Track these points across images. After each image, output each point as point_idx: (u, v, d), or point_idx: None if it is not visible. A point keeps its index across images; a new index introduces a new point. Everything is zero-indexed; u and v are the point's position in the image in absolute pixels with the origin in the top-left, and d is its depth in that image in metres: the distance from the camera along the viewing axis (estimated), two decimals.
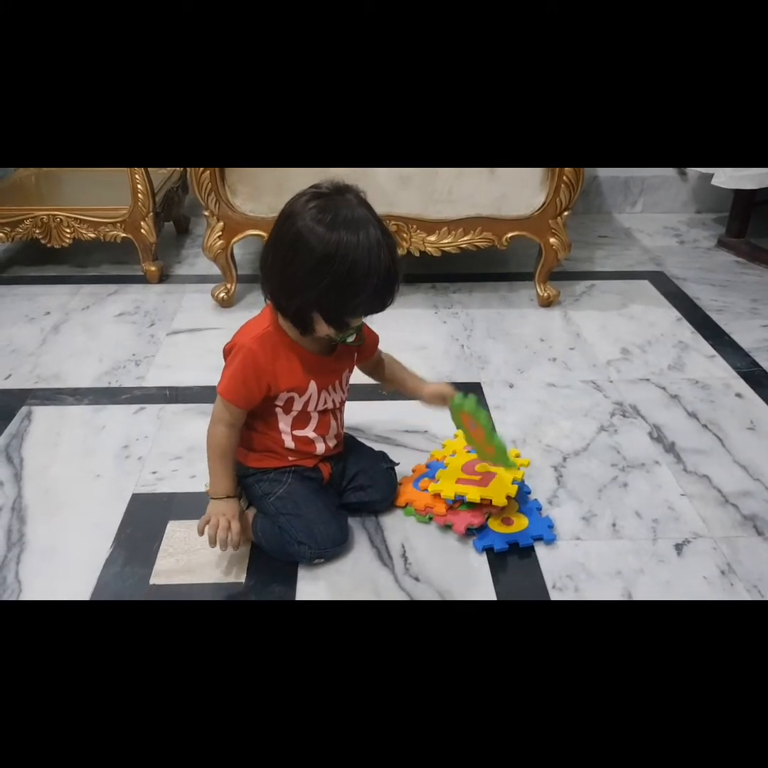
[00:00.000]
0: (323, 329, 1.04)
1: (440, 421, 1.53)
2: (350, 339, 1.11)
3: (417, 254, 1.94)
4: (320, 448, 1.20)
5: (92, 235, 2.09)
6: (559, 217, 1.90)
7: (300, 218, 0.98)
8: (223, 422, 1.13)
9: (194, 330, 1.92)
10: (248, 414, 1.15)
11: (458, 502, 1.26)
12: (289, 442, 1.18)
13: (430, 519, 1.27)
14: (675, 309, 2.03)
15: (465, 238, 1.92)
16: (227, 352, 1.13)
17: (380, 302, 1.03)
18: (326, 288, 0.97)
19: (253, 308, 1.98)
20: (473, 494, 1.24)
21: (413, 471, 1.38)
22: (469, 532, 1.24)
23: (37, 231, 2.08)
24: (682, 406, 1.61)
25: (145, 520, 1.29)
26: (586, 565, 1.19)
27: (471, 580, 1.17)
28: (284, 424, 1.16)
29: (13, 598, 1.14)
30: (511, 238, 1.93)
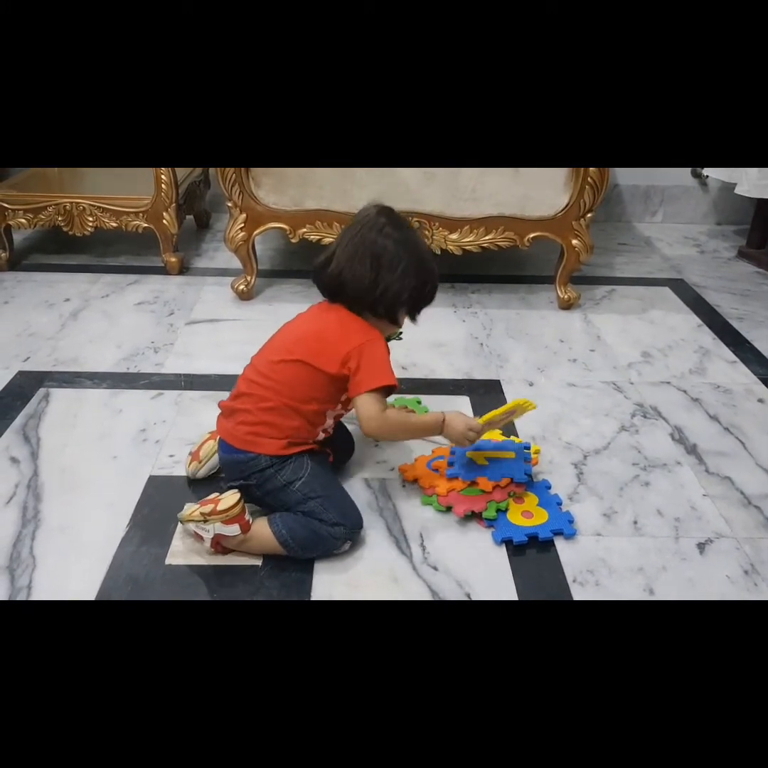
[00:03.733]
0: (401, 321, 1.24)
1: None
2: (400, 335, 1.34)
3: (438, 252, 1.94)
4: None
5: (114, 224, 2.09)
6: (582, 219, 1.89)
7: (389, 239, 1.17)
8: (382, 409, 1.17)
9: (213, 321, 1.91)
10: (309, 398, 1.17)
11: (465, 484, 1.26)
12: (329, 423, 1.22)
13: (449, 509, 1.25)
14: (695, 315, 2.02)
15: (487, 237, 1.91)
16: (348, 357, 1.15)
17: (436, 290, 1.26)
18: (418, 285, 1.20)
19: (273, 301, 1.98)
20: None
21: (432, 451, 1.38)
22: (489, 523, 1.22)
23: (60, 218, 2.09)
24: (704, 409, 1.59)
25: (162, 501, 1.28)
26: (608, 561, 1.18)
27: (490, 571, 1.15)
28: (339, 404, 1.22)
29: (28, 573, 1.13)
30: (533, 238, 1.92)
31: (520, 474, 1.26)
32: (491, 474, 1.25)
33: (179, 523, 1.18)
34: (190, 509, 1.14)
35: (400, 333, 1.32)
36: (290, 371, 1.16)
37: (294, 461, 1.17)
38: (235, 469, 1.19)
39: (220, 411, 1.24)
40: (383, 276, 1.16)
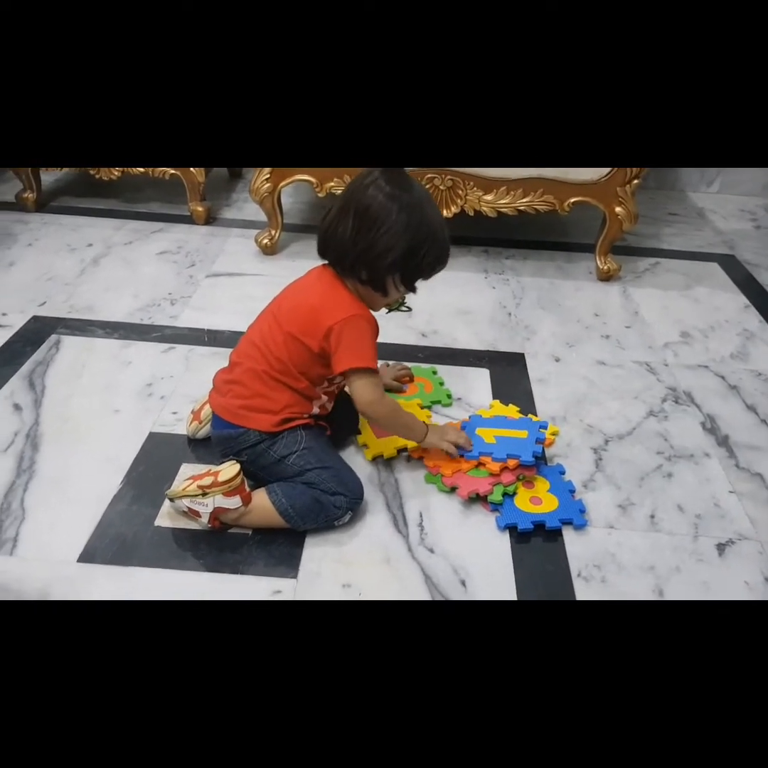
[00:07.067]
0: (394, 293, 1.11)
1: (475, 390, 1.46)
2: (404, 307, 1.23)
3: (471, 214, 1.84)
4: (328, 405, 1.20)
5: (140, 170, 2.03)
6: (627, 186, 1.77)
7: (380, 192, 1.03)
8: (377, 393, 1.11)
9: (234, 274, 1.85)
10: (298, 375, 1.10)
11: (472, 464, 1.19)
12: (324, 399, 1.17)
13: (453, 490, 1.19)
14: (743, 295, 1.89)
15: (524, 200, 1.80)
16: (329, 331, 1.07)
17: (445, 261, 1.11)
18: (410, 249, 1.04)
19: (298, 257, 1.91)
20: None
21: None
22: (494, 507, 1.16)
23: None
24: (741, 397, 1.48)
25: (159, 459, 1.24)
26: (617, 556, 1.10)
27: (489, 558, 1.09)
28: (328, 380, 1.15)
29: (16, 525, 1.10)
30: (573, 203, 1.80)
31: (527, 455, 1.18)
32: (497, 452, 1.18)
33: (167, 500, 1.12)
34: (182, 485, 1.09)
35: (403, 303, 1.22)
36: (281, 343, 1.10)
37: (286, 436, 1.11)
38: (226, 444, 1.14)
39: (213, 386, 1.19)
40: (365, 231, 1.03)
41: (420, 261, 1.07)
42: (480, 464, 1.19)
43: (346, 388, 1.13)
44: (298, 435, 1.12)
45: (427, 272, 1.10)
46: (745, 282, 1.96)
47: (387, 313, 1.19)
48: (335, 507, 1.09)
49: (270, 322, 1.12)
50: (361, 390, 1.09)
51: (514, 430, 1.24)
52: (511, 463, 1.18)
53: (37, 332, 1.57)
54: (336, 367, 1.08)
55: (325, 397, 1.17)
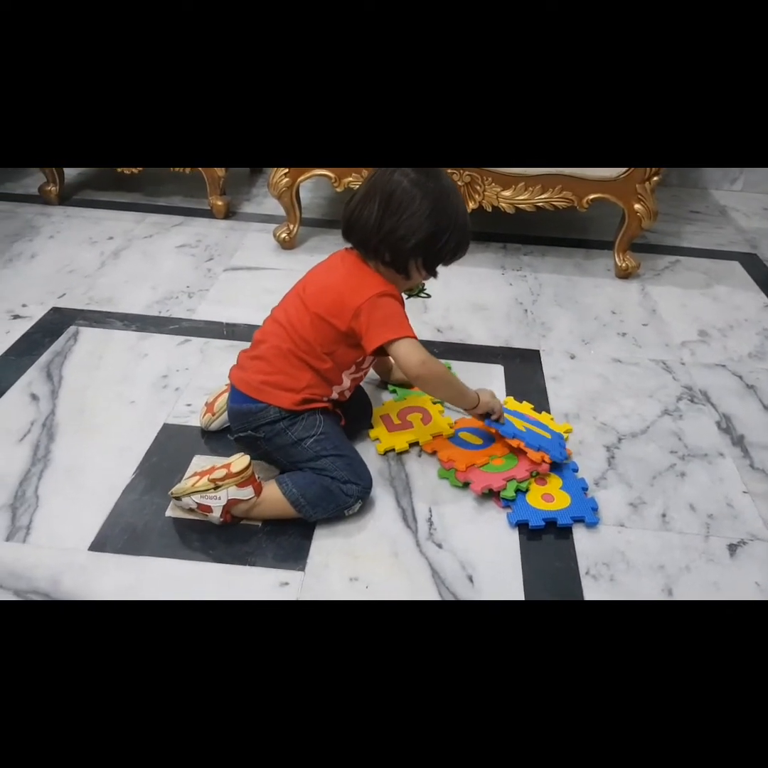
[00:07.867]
0: (416, 276, 1.13)
1: (490, 386, 1.45)
2: (424, 293, 1.23)
3: (489, 209, 1.83)
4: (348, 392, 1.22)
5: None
6: (647, 183, 1.75)
7: (405, 177, 1.06)
8: (425, 353, 1.10)
9: (252, 268, 1.87)
10: (323, 355, 1.11)
11: (486, 460, 1.20)
12: (346, 384, 1.18)
13: (466, 485, 1.19)
14: (764, 295, 1.86)
15: (542, 196, 1.79)
16: (359, 311, 1.07)
17: (465, 248, 1.13)
18: (433, 233, 1.07)
19: (316, 252, 1.92)
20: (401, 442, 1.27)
21: (456, 422, 1.32)
22: (506, 503, 1.16)
23: None
24: (758, 397, 1.46)
25: (172, 451, 1.26)
26: (627, 555, 1.10)
27: (498, 554, 1.09)
28: (356, 365, 1.17)
29: (30, 513, 1.12)
30: (592, 200, 1.79)
31: (556, 452, 1.20)
32: (530, 440, 1.19)
33: (172, 500, 1.12)
34: (189, 482, 1.09)
35: (423, 288, 1.22)
36: (308, 324, 1.11)
37: (305, 418, 1.12)
38: (244, 419, 1.14)
39: (236, 363, 1.20)
40: (390, 215, 1.06)
41: (442, 246, 1.09)
42: (518, 449, 1.20)
43: (391, 361, 1.15)
44: (317, 419, 1.13)
45: (449, 258, 1.12)
46: (767, 281, 1.93)
47: (407, 297, 1.19)
48: (346, 495, 1.10)
49: (296, 304, 1.14)
50: (408, 354, 1.08)
51: (539, 428, 1.25)
52: (544, 456, 1.19)
53: (56, 323, 1.60)
54: (370, 344, 1.08)
55: (347, 383, 1.18)
